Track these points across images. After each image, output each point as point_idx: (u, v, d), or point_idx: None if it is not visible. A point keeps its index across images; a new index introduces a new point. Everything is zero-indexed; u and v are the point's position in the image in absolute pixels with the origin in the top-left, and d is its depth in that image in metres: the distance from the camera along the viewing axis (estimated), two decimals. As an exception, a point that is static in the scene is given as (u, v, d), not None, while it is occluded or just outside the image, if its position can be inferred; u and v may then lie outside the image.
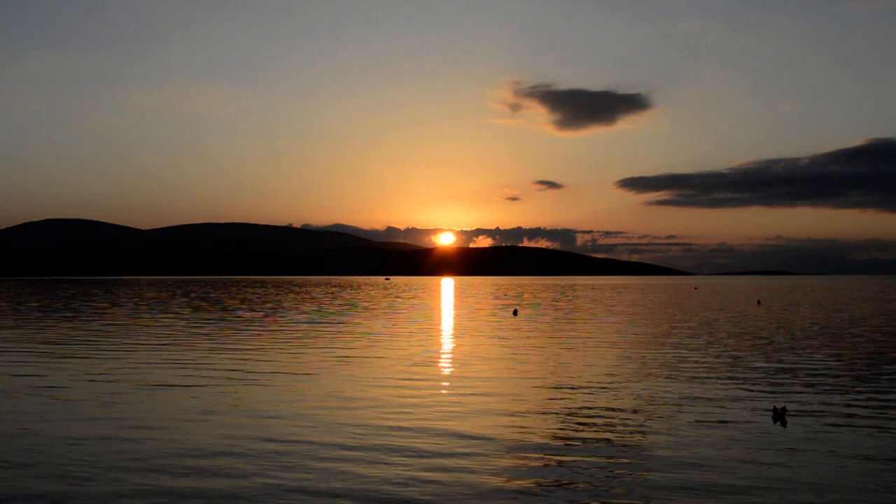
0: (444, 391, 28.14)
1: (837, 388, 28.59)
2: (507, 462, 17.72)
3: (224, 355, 39.98)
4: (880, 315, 78.03)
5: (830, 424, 21.95)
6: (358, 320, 68.88)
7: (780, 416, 22.82)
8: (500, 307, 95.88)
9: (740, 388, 28.53)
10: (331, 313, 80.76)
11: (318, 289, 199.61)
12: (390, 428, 21.44)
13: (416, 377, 31.55)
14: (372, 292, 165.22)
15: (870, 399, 26.29)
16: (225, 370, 34.15)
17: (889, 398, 26.49)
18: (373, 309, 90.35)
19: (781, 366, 35.40)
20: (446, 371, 33.78)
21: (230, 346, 45.13)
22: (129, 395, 27.27)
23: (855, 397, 26.62)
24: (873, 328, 59.39)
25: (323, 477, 16.53)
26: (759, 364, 36.02)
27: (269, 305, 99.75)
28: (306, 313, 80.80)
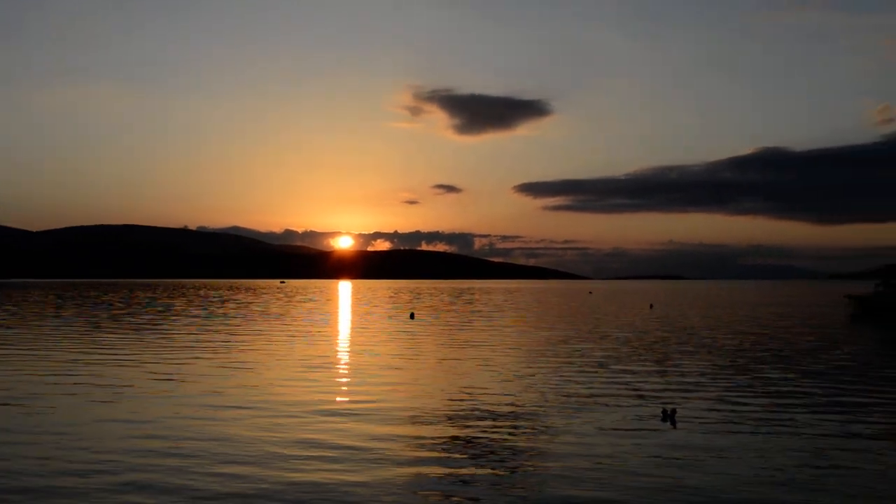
0: (333, 398, 27.46)
1: (726, 389, 28.91)
2: (399, 470, 17.15)
3: (101, 364, 38.53)
4: (764, 318, 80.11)
5: (719, 424, 22.04)
6: (248, 325, 67.50)
7: (669, 417, 22.80)
8: (396, 310, 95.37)
9: (631, 391, 28.57)
10: (220, 317, 79.11)
11: (211, 292, 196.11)
12: (272, 439, 20.66)
13: (304, 384, 30.71)
14: (266, 296, 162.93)
15: (756, 399, 26.61)
16: (97, 380, 32.80)
17: (774, 398, 26.86)
18: (265, 313, 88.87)
19: (671, 368, 35.70)
20: (337, 377, 33.08)
21: (110, 353, 43.57)
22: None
23: (742, 397, 26.94)
24: (758, 330, 60.73)
25: (192, 494, 15.69)
26: (649, 366, 36.25)
27: (158, 309, 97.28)
28: (195, 317, 78.98)
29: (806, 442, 19.81)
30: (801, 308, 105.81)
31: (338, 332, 58.76)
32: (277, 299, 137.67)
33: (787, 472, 16.85)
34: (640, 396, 27.16)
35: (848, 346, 46.57)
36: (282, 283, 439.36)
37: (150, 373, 33.40)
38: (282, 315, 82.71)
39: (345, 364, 37.00)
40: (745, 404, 25.61)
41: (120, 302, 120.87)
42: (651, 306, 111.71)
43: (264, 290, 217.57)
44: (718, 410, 24.43)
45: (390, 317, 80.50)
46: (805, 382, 30.83)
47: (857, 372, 34.28)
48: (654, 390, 28.58)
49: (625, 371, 34.40)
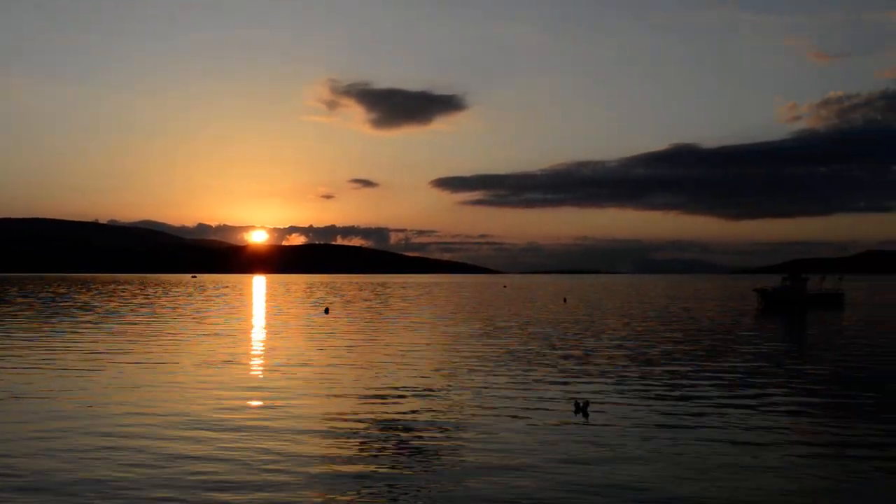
0: (245, 397, 26.97)
1: (637, 381, 29.24)
2: (319, 465, 16.87)
3: None
4: (676, 312, 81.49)
5: (631, 417, 22.24)
6: (156, 321, 66.15)
7: (581, 409, 22.91)
8: (311, 305, 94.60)
9: (545, 384, 28.66)
10: (126, 313, 77.40)
11: (120, 287, 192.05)
12: (179, 450, 20.14)
13: (213, 383, 29.98)
14: (177, 291, 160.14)
15: (667, 391, 26.97)
16: None
17: (684, 390, 27.26)
18: (176, 308, 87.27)
19: (584, 361, 35.97)
20: (246, 374, 32.51)
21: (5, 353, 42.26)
22: None
23: (653, 390, 27.26)
24: (669, 324, 61.68)
25: None
26: (562, 359, 36.48)
27: (62, 305, 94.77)
28: (100, 314, 77.14)
29: (713, 434, 20.07)
30: (711, 302, 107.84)
31: (251, 327, 57.92)
32: (189, 294, 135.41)
33: (697, 464, 17.02)
34: (554, 389, 27.25)
35: (752, 339, 47.61)
36: (194, 277, 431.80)
37: (45, 372, 32.47)
38: (192, 311, 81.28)
39: (255, 360, 36.42)
40: (656, 397, 25.88)
41: (22, 297, 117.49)
42: (565, 300, 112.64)
43: (176, 285, 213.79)
44: (630, 403, 24.63)
45: (305, 311, 79.76)
46: (712, 375, 31.34)
47: (761, 365, 35.00)
48: (567, 383, 28.71)
49: (538, 364, 34.52)
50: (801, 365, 34.90)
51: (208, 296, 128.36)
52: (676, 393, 26.74)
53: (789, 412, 23.31)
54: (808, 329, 57.60)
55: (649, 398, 25.61)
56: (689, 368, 33.43)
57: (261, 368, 33.42)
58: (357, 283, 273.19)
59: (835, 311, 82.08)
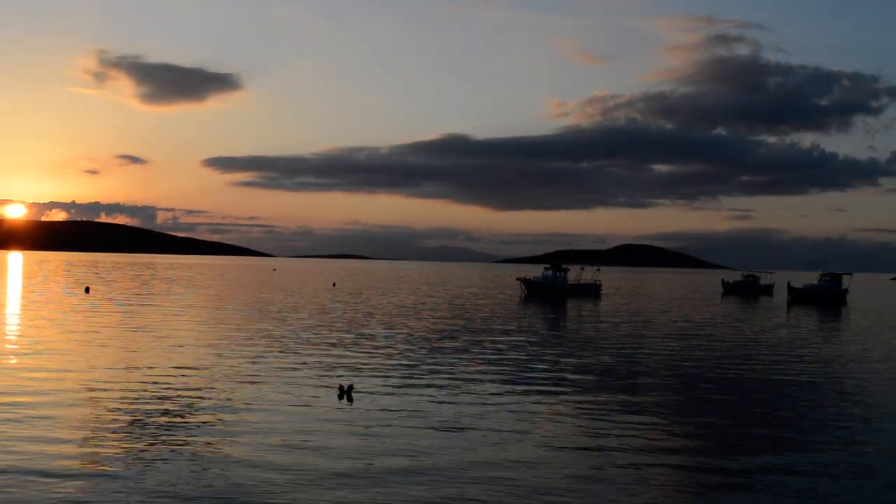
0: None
1: (401, 365, 29.81)
2: (76, 476, 16.13)
3: None
4: (443, 298, 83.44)
5: (395, 399, 22.63)
6: None
7: (346, 393, 23.06)
8: (71, 284, 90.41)
9: (310, 368, 28.70)
10: None
11: None
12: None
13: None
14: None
15: (431, 374, 27.63)
16: None
17: (448, 374, 27.99)
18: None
19: (350, 344, 36.26)
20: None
21: None
22: None
23: (418, 373, 27.88)
24: (436, 310, 63.09)
25: None
26: (328, 343, 36.59)
27: None
28: None
29: (475, 416, 20.70)
30: (476, 289, 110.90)
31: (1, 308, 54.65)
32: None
33: (458, 448, 17.50)
34: (319, 373, 27.29)
35: (514, 326, 49.55)
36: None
37: None
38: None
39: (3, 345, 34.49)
40: (420, 381, 26.43)
41: None
42: (334, 284, 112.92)
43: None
44: (394, 387, 25.01)
45: (62, 291, 76.11)
46: (474, 361, 32.31)
47: (521, 351, 36.47)
48: (332, 367, 28.80)
49: (304, 348, 34.45)
50: (559, 350, 36.53)
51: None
52: (440, 377, 27.37)
53: (547, 392, 24.34)
54: (566, 317, 60.34)
55: (413, 382, 26.08)
56: (452, 353, 34.26)
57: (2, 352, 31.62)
58: (122, 262, 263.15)
59: (592, 300, 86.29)
